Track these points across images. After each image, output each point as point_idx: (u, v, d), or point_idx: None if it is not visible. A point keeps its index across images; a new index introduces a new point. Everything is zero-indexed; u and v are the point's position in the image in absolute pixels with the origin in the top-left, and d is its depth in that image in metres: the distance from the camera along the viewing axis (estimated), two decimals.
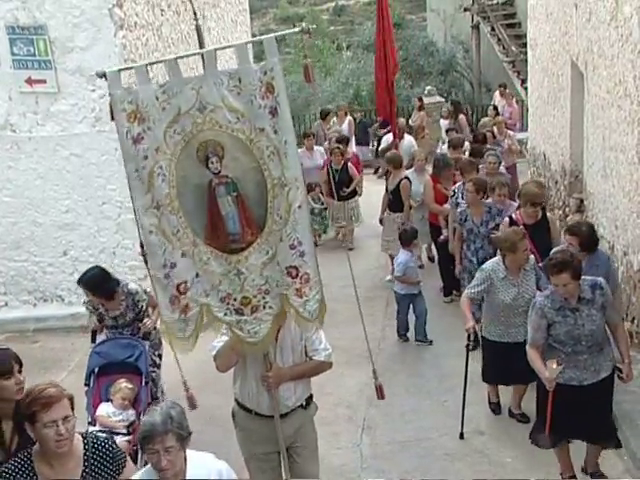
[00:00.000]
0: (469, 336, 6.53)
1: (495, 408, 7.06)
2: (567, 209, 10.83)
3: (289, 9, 38.30)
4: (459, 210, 8.53)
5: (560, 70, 11.35)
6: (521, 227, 7.06)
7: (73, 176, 8.97)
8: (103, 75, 4.85)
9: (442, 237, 9.57)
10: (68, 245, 9.21)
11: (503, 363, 6.64)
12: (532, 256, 6.64)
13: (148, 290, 6.50)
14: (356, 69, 24.60)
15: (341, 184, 11.52)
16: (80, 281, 6.71)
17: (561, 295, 5.45)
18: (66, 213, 9.11)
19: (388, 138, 13.09)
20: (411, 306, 8.56)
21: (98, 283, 6.65)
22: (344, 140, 13.24)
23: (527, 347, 5.63)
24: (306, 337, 5.24)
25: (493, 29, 22.96)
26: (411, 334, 8.64)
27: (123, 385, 6.24)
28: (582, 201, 9.98)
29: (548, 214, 7.79)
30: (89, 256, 9.18)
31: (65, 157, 8.94)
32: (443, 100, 18.51)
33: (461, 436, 6.61)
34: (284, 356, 5.23)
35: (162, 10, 9.57)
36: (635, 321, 7.75)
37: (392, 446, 6.68)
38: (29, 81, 8.74)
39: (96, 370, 6.44)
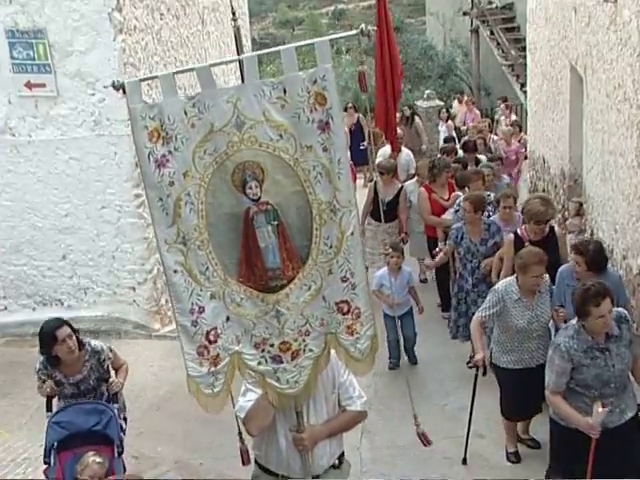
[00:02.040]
0: (477, 368, 6.13)
1: (514, 458, 6.43)
2: (566, 213, 10.83)
3: (289, 13, 38.34)
4: (455, 227, 8.00)
5: (559, 74, 11.37)
6: (526, 244, 6.73)
7: (72, 180, 8.97)
8: (121, 86, 4.25)
9: (438, 250, 8.86)
10: (67, 249, 9.20)
11: (521, 393, 6.10)
12: (547, 276, 6.17)
13: (113, 348, 6.07)
14: (355, 73, 24.61)
15: None
16: (41, 334, 5.70)
17: (602, 327, 4.89)
18: (65, 217, 9.10)
19: (385, 151, 12.30)
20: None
21: (62, 319, 5.80)
22: None
23: (548, 394, 5.08)
24: (339, 383, 4.58)
25: (492, 33, 22.99)
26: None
27: (91, 460, 5.24)
28: (581, 205, 9.99)
29: (556, 229, 7.39)
30: (88, 260, 9.18)
31: (64, 161, 8.93)
32: (442, 104, 18.52)
33: (464, 462, 6.39)
34: (317, 409, 4.54)
35: (161, 14, 9.57)
36: (635, 325, 7.75)
37: (392, 450, 6.68)
38: (28, 85, 8.73)
39: (56, 444, 5.47)
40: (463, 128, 16.99)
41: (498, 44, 22.64)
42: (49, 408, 5.82)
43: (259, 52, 4.51)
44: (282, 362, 4.37)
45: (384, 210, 9.64)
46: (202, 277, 4.28)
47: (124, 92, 4.25)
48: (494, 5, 23.96)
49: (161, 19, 9.57)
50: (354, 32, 4.25)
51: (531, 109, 13.92)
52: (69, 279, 9.28)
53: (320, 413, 4.51)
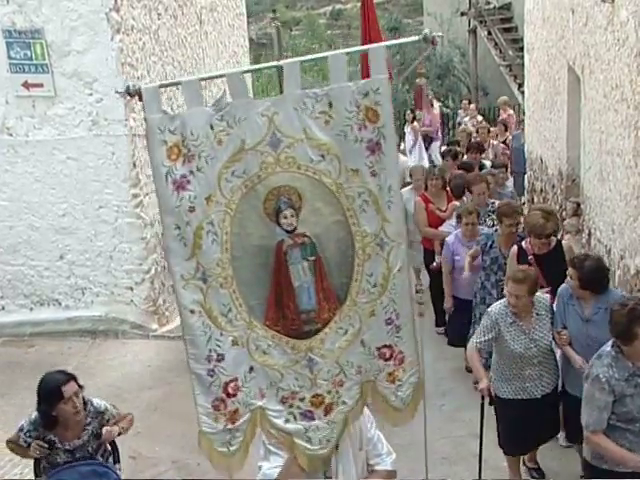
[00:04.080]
0: (483, 397, 5.64)
1: None
2: (564, 213, 10.83)
3: (286, 13, 38.29)
4: (485, 232, 7.39)
5: (557, 74, 11.37)
6: (530, 257, 6.45)
7: (70, 180, 8.97)
8: (137, 93, 3.66)
9: (435, 264, 8.51)
10: (65, 249, 9.19)
11: (522, 426, 5.63)
12: (547, 296, 5.79)
13: (116, 406, 5.19)
14: (353, 73, 24.60)
15: None
16: (43, 388, 4.76)
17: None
18: (63, 217, 9.09)
19: None
20: None
21: (68, 373, 4.88)
22: None
23: (588, 434, 4.44)
24: (367, 439, 4.11)
25: (490, 33, 22.98)
26: None
27: None
28: (579, 205, 9.98)
29: (564, 241, 6.92)
30: (86, 260, 9.17)
31: (62, 161, 8.93)
32: (440, 104, 18.53)
33: None
34: (346, 470, 3.98)
35: (159, 14, 9.56)
36: None
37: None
38: (26, 85, 8.73)
39: None
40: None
41: (496, 44, 22.63)
42: (38, 473, 4.97)
43: (302, 58, 3.98)
44: (314, 419, 3.85)
45: None
46: (223, 320, 3.73)
47: (140, 99, 3.66)
48: (492, 5, 23.95)
49: (159, 19, 9.56)
50: (416, 38, 3.76)
51: (528, 109, 13.92)
52: (66, 279, 9.27)
53: (349, 474, 3.99)
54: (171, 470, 6.65)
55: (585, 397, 4.47)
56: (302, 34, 33.14)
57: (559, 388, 5.85)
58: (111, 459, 5.11)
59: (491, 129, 15.05)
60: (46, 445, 4.75)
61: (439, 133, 16.12)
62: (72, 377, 4.80)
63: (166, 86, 3.92)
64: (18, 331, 9.21)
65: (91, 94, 8.69)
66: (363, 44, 9.95)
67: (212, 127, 3.59)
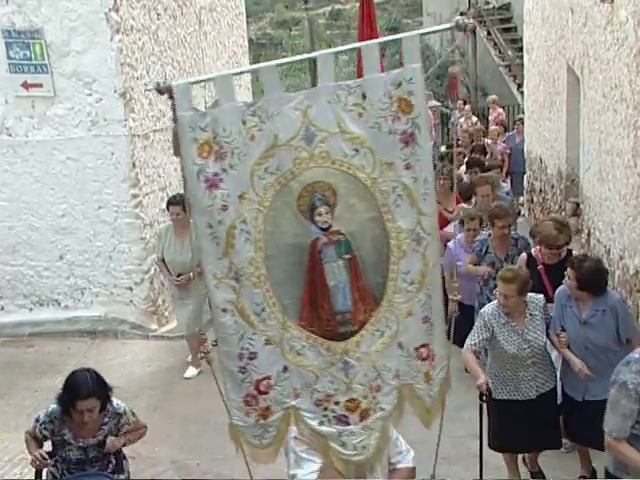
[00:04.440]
0: (481, 394, 5.45)
1: None
2: (563, 213, 10.83)
3: (286, 13, 38.27)
4: (479, 239, 7.28)
5: (556, 74, 11.37)
6: (540, 267, 6.36)
7: (69, 180, 8.96)
8: (168, 90, 3.48)
9: None
10: (64, 249, 9.19)
11: (514, 426, 5.56)
12: (541, 296, 5.68)
13: (134, 411, 4.97)
14: (352, 73, 24.60)
15: None
16: (67, 386, 4.69)
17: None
18: (62, 217, 9.09)
19: None
20: None
21: (97, 386, 4.61)
22: None
23: (610, 440, 4.24)
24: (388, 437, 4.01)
25: (489, 33, 23.00)
26: None
27: None
28: (578, 205, 9.99)
29: (574, 252, 6.69)
30: (85, 260, 9.17)
31: (61, 161, 8.93)
32: (439, 104, 18.51)
33: None
34: (373, 474, 3.93)
35: (158, 14, 9.56)
36: None
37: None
38: (25, 85, 8.73)
39: None
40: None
41: (495, 44, 22.65)
42: (39, 476, 4.82)
43: (335, 50, 3.82)
44: (349, 424, 3.74)
45: None
46: (256, 319, 3.65)
47: (170, 97, 3.50)
48: (491, 5, 23.98)
49: (158, 19, 9.56)
50: (449, 25, 3.64)
51: (528, 109, 13.92)
52: (66, 279, 9.27)
53: (375, 475, 3.93)
54: (170, 470, 6.65)
55: (610, 403, 4.29)
56: (301, 34, 33.11)
57: (559, 392, 5.79)
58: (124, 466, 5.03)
59: (490, 128, 15.05)
60: (47, 457, 4.64)
61: (433, 132, 16.07)
62: (94, 393, 4.58)
63: (198, 82, 3.82)
64: (17, 331, 9.21)
65: (90, 94, 8.69)
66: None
67: (244, 123, 3.50)
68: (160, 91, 3.51)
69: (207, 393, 7.80)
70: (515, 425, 5.55)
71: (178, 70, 10.14)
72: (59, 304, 9.38)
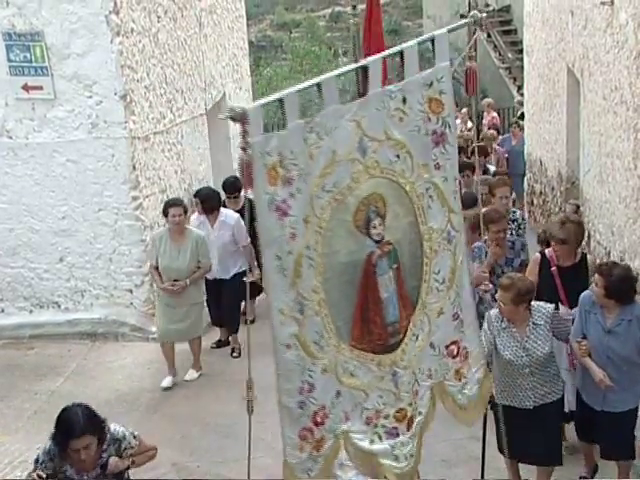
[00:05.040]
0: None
1: None
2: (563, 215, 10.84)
3: (286, 15, 38.30)
4: (476, 245, 6.88)
5: (556, 76, 11.37)
6: (554, 268, 6.12)
7: (69, 182, 8.96)
8: (244, 116, 3.06)
9: None
10: (64, 251, 9.19)
11: (513, 433, 5.26)
12: (550, 306, 5.47)
13: (138, 435, 4.72)
14: (353, 76, 24.61)
15: None
16: (58, 423, 4.38)
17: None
18: (62, 219, 9.09)
19: None
20: None
21: (90, 422, 4.34)
22: None
23: None
24: None
25: (489, 36, 23.00)
26: None
27: None
28: (578, 207, 9.99)
29: (589, 258, 6.47)
30: (85, 262, 9.17)
31: (61, 163, 8.93)
32: None
33: None
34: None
35: (158, 17, 9.57)
36: None
37: None
38: (25, 87, 8.72)
39: None
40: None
41: (495, 47, 22.67)
42: None
43: (383, 54, 3.66)
44: (398, 435, 3.64)
45: None
46: (315, 348, 3.45)
47: (244, 122, 3.10)
48: (491, 8, 23.97)
49: (158, 21, 9.57)
50: (466, 21, 3.63)
51: (528, 112, 13.93)
52: (66, 281, 9.27)
53: None
54: (171, 472, 6.64)
55: None
56: (302, 36, 33.13)
57: (567, 405, 5.70)
58: None
59: (483, 132, 15.02)
60: (44, 476, 4.40)
61: None
62: (88, 430, 4.31)
63: (268, 103, 3.32)
64: (18, 333, 9.20)
65: (91, 97, 8.69)
66: (364, 46, 9.88)
67: (305, 141, 3.26)
68: (234, 119, 3.09)
69: (207, 396, 7.83)
70: (513, 432, 5.26)
71: (178, 72, 10.15)
72: (59, 306, 9.38)
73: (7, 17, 8.57)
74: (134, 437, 4.64)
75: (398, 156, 3.46)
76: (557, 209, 11.43)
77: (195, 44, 10.75)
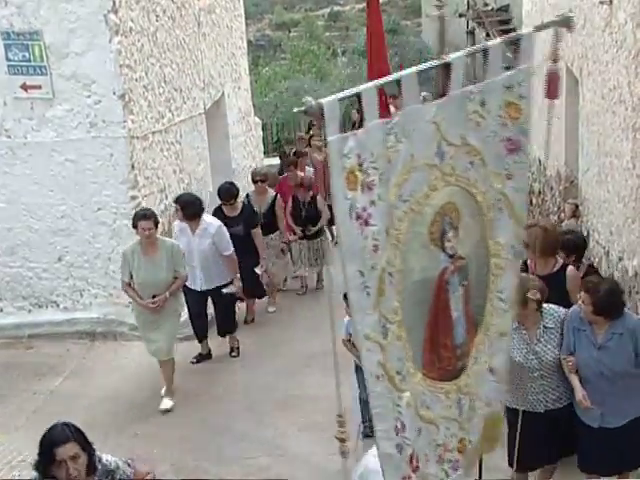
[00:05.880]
0: None
1: None
2: (562, 214, 10.84)
3: (285, 15, 38.27)
4: None
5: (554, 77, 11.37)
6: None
7: (68, 182, 8.95)
8: (319, 109, 2.75)
9: None
10: (63, 251, 9.18)
11: (527, 439, 4.96)
12: (562, 310, 5.34)
13: (130, 462, 4.37)
14: (351, 75, 24.63)
15: (308, 220, 10.12)
16: (40, 442, 3.98)
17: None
18: (61, 219, 9.08)
19: None
20: None
21: (76, 431, 4.01)
22: (302, 155, 11.44)
23: None
24: None
25: (488, 35, 22.97)
26: None
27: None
28: (577, 206, 9.99)
29: (569, 269, 6.25)
30: (84, 262, 9.16)
31: (60, 163, 8.92)
32: None
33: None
34: None
35: (157, 16, 9.56)
36: None
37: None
38: (24, 87, 8.71)
39: None
40: None
41: None
42: None
43: (466, 50, 3.34)
44: (458, 468, 3.40)
45: (261, 223, 9.28)
46: (398, 378, 3.07)
47: (320, 117, 2.80)
48: (490, 7, 23.97)
49: (157, 21, 9.56)
50: (555, 20, 3.38)
51: None
52: (65, 281, 9.26)
53: None
54: (169, 472, 6.64)
55: None
56: (300, 35, 33.11)
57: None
58: None
59: None
60: None
61: None
62: (73, 437, 3.97)
63: (345, 98, 2.97)
64: (16, 333, 9.20)
65: (89, 96, 8.68)
66: (368, 49, 9.88)
67: (384, 142, 2.93)
68: (308, 112, 2.78)
69: (206, 395, 7.83)
70: (525, 437, 4.90)
71: (177, 72, 10.14)
72: (58, 306, 9.37)
73: (6, 16, 8.56)
74: (128, 465, 4.29)
75: (472, 163, 3.19)
76: (556, 208, 11.44)
77: (194, 43, 10.75)
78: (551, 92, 3.35)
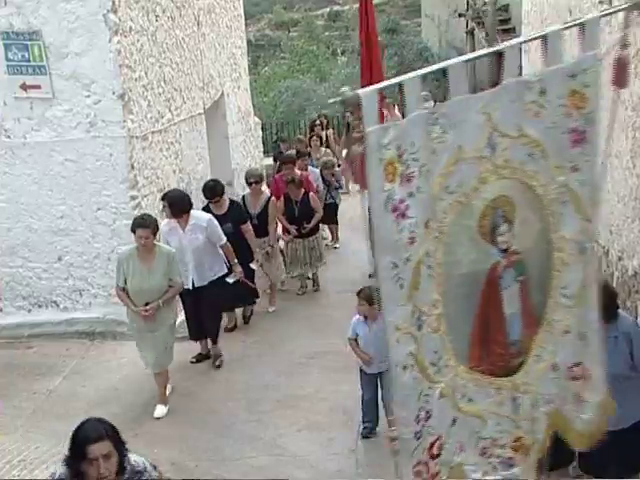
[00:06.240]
0: None
1: None
2: None
3: (284, 14, 38.27)
4: None
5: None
6: None
7: (68, 182, 8.96)
8: (356, 99, 2.72)
9: None
10: (63, 251, 9.19)
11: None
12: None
13: (156, 466, 4.41)
14: (351, 74, 24.63)
15: (301, 218, 10.10)
16: (73, 436, 3.88)
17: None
18: (61, 219, 9.09)
19: None
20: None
21: (110, 428, 3.96)
22: (302, 156, 11.34)
23: None
24: None
25: (487, 34, 23.00)
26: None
27: None
28: None
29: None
30: (84, 262, 9.17)
31: (60, 163, 8.92)
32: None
33: None
34: None
35: (157, 16, 9.57)
36: None
37: (387, 451, 6.66)
38: (24, 87, 8.72)
39: None
40: None
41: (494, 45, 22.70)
42: None
43: (521, 39, 3.32)
44: (513, 465, 3.35)
45: (253, 224, 9.21)
46: (433, 369, 3.10)
47: (357, 108, 2.79)
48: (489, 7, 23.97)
49: (156, 20, 9.56)
50: (626, 5, 3.21)
51: None
52: (64, 281, 9.26)
53: None
54: (169, 472, 6.64)
55: None
56: (300, 35, 33.12)
57: None
58: None
59: None
60: None
61: None
62: (106, 435, 3.86)
63: (384, 88, 3.00)
64: (16, 333, 9.20)
65: (89, 96, 8.68)
66: (362, 47, 9.88)
67: (429, 134, 2.90)
68: (345, 102, 2.76)
69: (206, 395, 7.82)
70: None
71: (177, 72, 10.14)
72: (58, 305, 9.38)
73: (5, 16, 8.56)
74: (154, 468, 4.30)
75: (531, 155, 3.09)
76: None
77: (193, 43, 10.75)
78: (620, 80, 3.17)
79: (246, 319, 9.53)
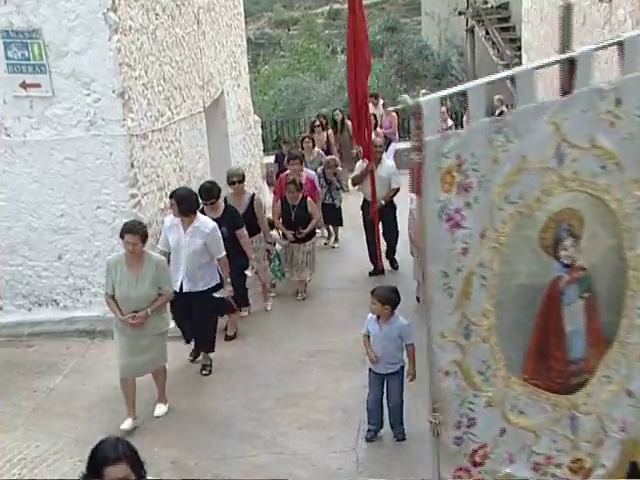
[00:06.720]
0: None
1: None
2: None
3: (284, 13, 38.28)
4: None
5: (554, 74, 11.37)
6: None
7: (68, 180, 8.95)
8: (415, 109, 2.74)
9: None
10: (63, 249, 9.19)
11: None
12: None
13: None
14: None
15: (297, 223, 9.99)
16: (91, 457, 3.83)
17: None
18: (61, 217, 9.09)
19: (361, 164, 10.68)
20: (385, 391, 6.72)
21: (130, 450, 3.85)
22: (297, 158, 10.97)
23: None
24: None
25: (487, 32, 23.01)
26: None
27: None
28: None
29: None
30: (84, 260, 9.16)
31: (60, 161, 8.92)
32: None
33: None
34: None
35: (157, 14, 9.56)
36: None
37: (388, 449, 6.67)
38: (23, 85, 8.71)
39: None
40: None
41: (493, 44, 22.66)
42: None
43: (596, 45, 3.07)
44: None
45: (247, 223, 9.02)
46: (479, 378, 3.09)
47: (417, 117, 2.75)
48: (489, 5, 23.99)
49: (156, 19, 9.56)
50: None
51: None
52: (65, 279, 9.26)
53: None
54: (169, 470, 6.64)
55: None
56: (300, 34, 33.12)
57: None
58: None
59: None
60: None
61: (397, 135, 15.80)
62: (124, 456, 3.79)
63: (446, 97, 3.02)
64: (16, 331, 9.20)
65: (89, 94, 8.68)
66: (349, 44, 9.86)
67: (490, 142, 2.86)
68: (406, 109, 2.77)
69: (206, 393, 7.83)
70: None
71: (176, 70, 10.14)
72: (58, 304, 9.37)
73: (5, 15, 8.55)
74: None
75: (604, 167, 2.97)
76: None
77: (193, 41, 10.75)
78: None
79: (228, 336, 9.09)
